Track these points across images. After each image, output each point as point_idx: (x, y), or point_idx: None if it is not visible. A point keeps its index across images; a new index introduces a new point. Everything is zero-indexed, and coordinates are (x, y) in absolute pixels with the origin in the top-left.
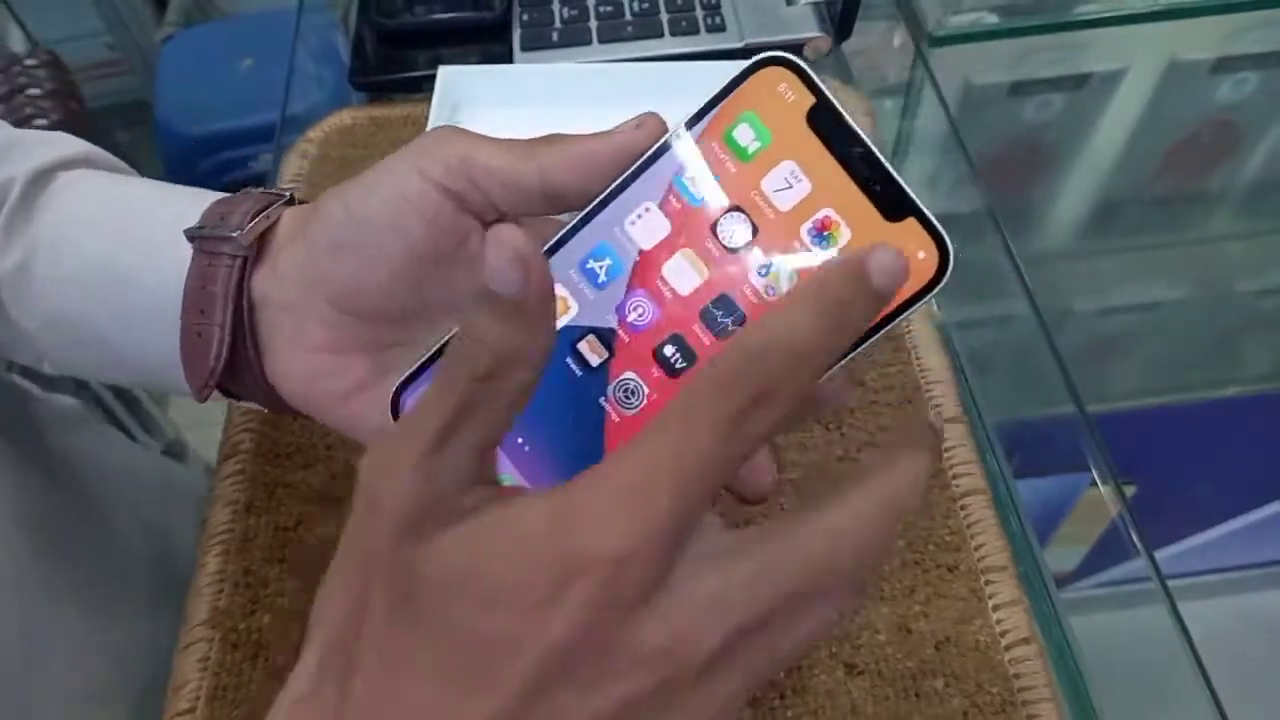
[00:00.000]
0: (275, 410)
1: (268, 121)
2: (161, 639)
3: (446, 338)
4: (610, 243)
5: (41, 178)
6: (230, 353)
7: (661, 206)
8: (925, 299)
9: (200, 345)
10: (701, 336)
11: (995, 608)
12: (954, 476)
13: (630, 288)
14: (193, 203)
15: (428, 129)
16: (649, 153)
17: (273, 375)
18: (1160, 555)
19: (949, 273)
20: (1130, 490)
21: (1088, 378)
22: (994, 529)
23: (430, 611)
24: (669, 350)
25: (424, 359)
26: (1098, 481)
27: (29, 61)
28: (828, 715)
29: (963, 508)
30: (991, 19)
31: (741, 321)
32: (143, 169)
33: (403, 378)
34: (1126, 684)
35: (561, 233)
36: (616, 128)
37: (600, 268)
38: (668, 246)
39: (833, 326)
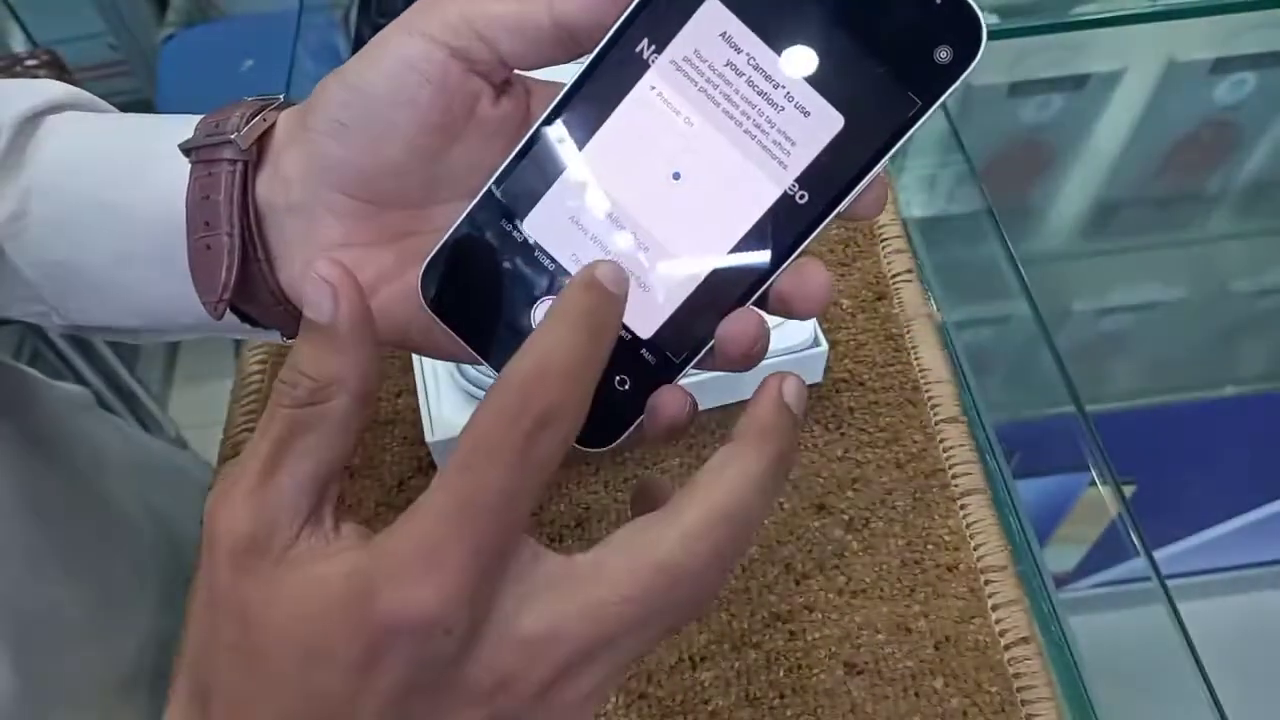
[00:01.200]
0: (294, 334)
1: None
2: (179, 627)
3: (466, 213)
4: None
5: (28, 124)
6: (242, 266)
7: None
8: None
9: (209, 258)
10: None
11: (995, 607)
12: (953, 476)
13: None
14: (183, 126)
15: None
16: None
17: (289, 286)
18: (1159, 555)
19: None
20: (1129, 490)
21: (1087, 377)
22: (993, 529)
23: (265, 655)
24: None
25: (446, 238)
26: (1097, 481)
27: (29, 61)
28: (827, 714)
29: (962, 507)
30: (991, 19)
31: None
32: None
33: (426, 261)
34: (1126, 683)
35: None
36: None
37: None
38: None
39: (590, 334)
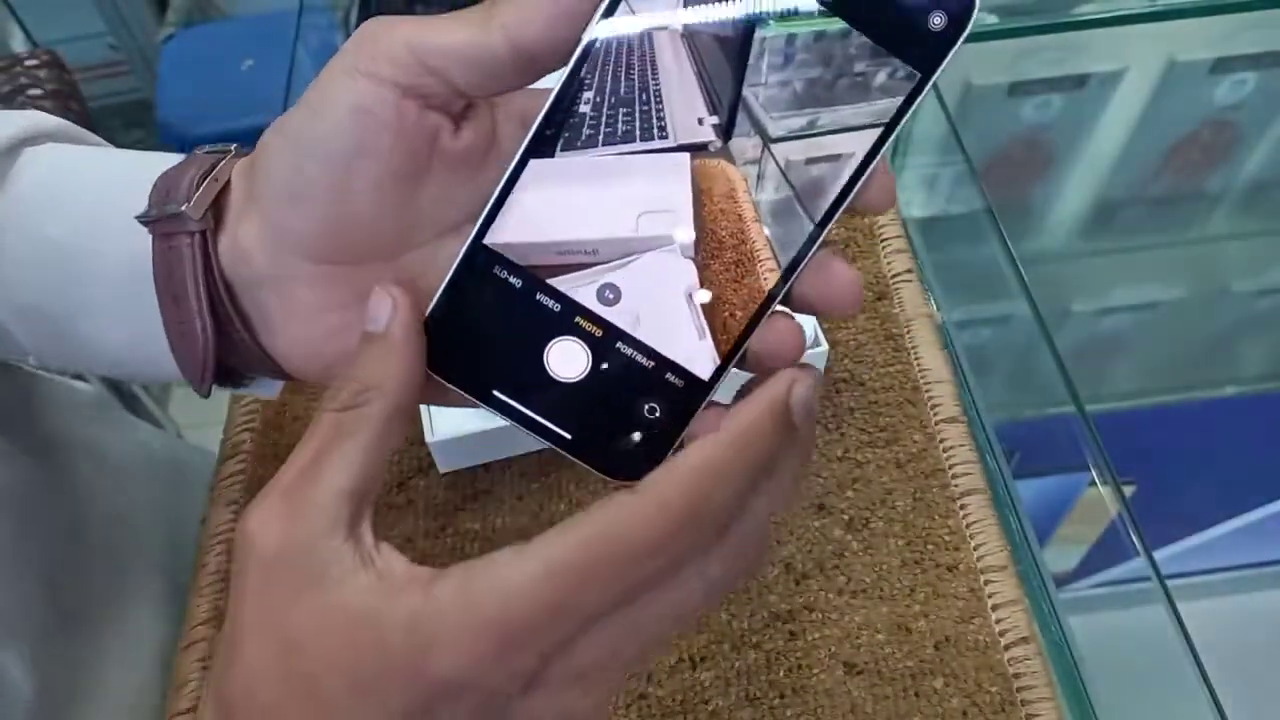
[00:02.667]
0: (295, 380)
1: (268, 122)
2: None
3: (454, 268)
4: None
5: (5, 157)
6: (220, 337)
7: None
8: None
9: (186, 341)
10: None
11: (995, 607)
12: (954, 476)
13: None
14: (149, 173)
15: None
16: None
17: (275, 353)
18: (1159, 555)
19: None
20: (1129, 490)
21: (1087, 377)
22: (993, 528)
23: (310, 680)
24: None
25: (437, 299)
26: (1097, 481)
27: (30, 62)
28: (827, 714)
29: (962, 507)
30: (991, 19)
31: None
32: None
33: (430, 308)
34: (1126, 684)
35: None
36: None
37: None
38: None
39: (760, 474)
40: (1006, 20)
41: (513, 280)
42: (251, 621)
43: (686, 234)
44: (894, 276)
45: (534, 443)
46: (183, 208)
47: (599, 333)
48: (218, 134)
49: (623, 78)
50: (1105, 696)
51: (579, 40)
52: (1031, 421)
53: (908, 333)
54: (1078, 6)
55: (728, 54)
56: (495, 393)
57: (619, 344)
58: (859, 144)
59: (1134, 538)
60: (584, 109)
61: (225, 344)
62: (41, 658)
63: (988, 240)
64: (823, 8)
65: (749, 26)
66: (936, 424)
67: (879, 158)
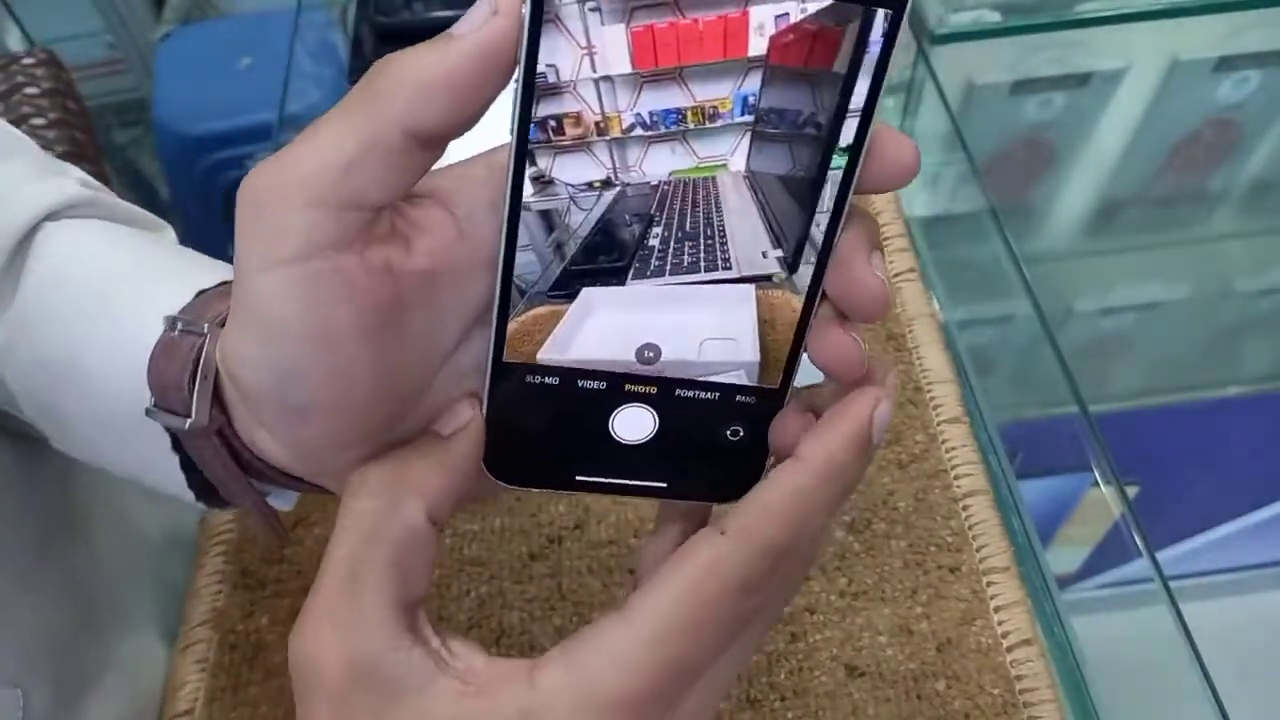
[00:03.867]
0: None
1: (266, 120)
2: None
3: (486, 397)
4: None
5: (26, 240)
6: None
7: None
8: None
9: (243, 505)
10: None
11: (997, 609)
12: (956, 477)
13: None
14: (159, 292)
15: None
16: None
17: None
18: (1162, 556)
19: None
20: (1132, 491)
21: (1090, 377)
22: (996, 530)
23: None
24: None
25: (485, 423)
26: (1100, 482)
27: (26, 60)
28: (829, 717)
29: (964, 508)
30: (993, 17)
31: None
32: (142, 167)
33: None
34: (1128, 685)
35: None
36: (464, 23)
37: None
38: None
39: (843, 497)
40: (1009, 18)
41: (549, 380)
42: None
43: (752, 356)
44: (896, 276)
45: None
46: (186, 424)
47: (654, 390)
48: (215, 133)
49: (688, 213)
50: (1108, 698)
51: (489, 99)
52: (1034, 422)
53: (910, 333)
54: (1080, 5)
55: (792, 191)
56: (579, 478)
57: (677, 391)
58: (840, 110)
59: (1137, 539)
60: (637, 235)
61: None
62: (49, 666)
63: (990, 239)
64: None
65: (821, 165)
66: (939, 424)
67: (877, 109)
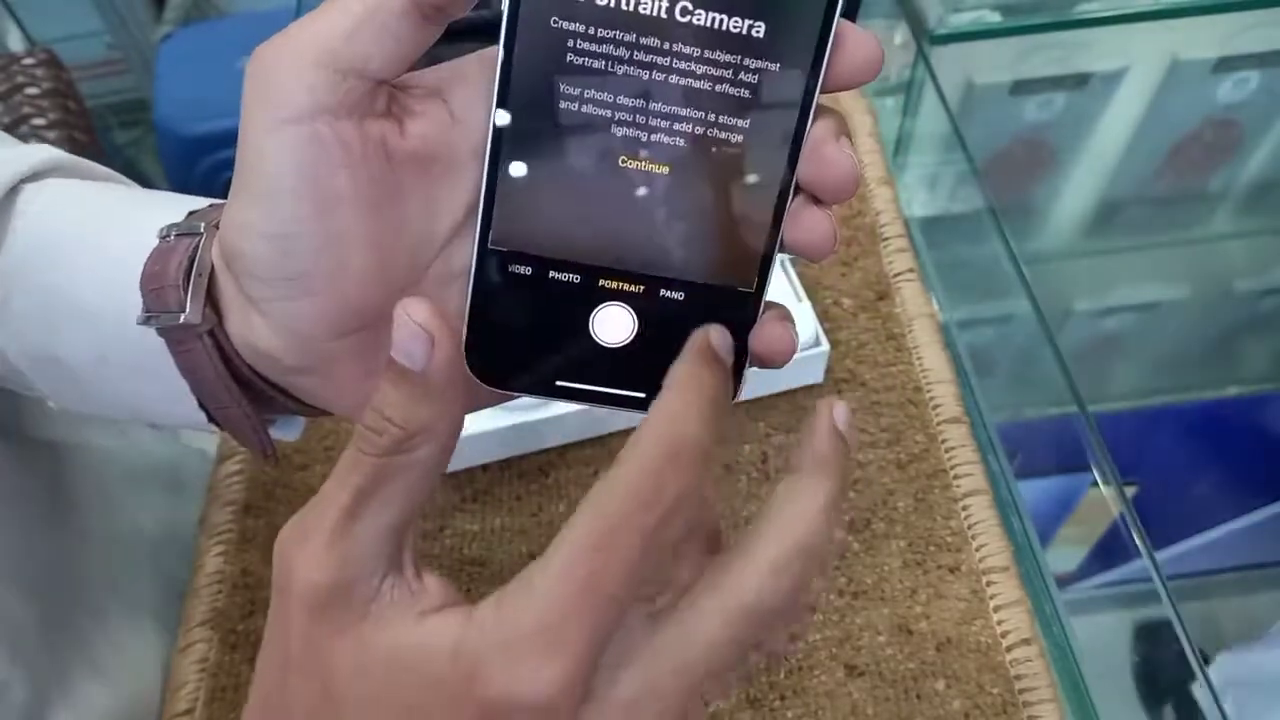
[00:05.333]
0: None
1: None
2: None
3: (471, 286)
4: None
5: (7, 199)
6: (271, 407)
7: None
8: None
9: (233, 422)
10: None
11: (996, 608)
12: (955, 477)
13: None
14: (152, 216)
15: None
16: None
17: (341, 412)
18: (1162, 556)
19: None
20: (1131, 491)
21: (1089, 378)
22: (995, 529)
23: (357, 717)
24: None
25: (467, 318)
26: (1099, 482)
27: (27, 61)
28: (828, 716)
29: (964, 508)
30: (993, 17)
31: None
32: (143, 168)
33: (465, 327)
34: (1128, 684)
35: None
36: None
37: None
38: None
39: (714, 411)
40: (1008, 19)
41: (533, 270)
42: (298, 661)
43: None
44: (895, 276)
45: (531, 444)
46: (181, 318)
47: (633, 287)
48: (215, 132)
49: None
50: (1107, 698)
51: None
52: (1033, 422)
53: (909, 333)
54: (1080, 5)
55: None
56: (559, 383)
57: (658, 290)
58: (810, 5)
59: (1136, 539)
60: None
61: (267, 404)
62: (37, 660)
63: (989, 239)
64: None
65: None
66: (938, 424)
67: (838, 15)
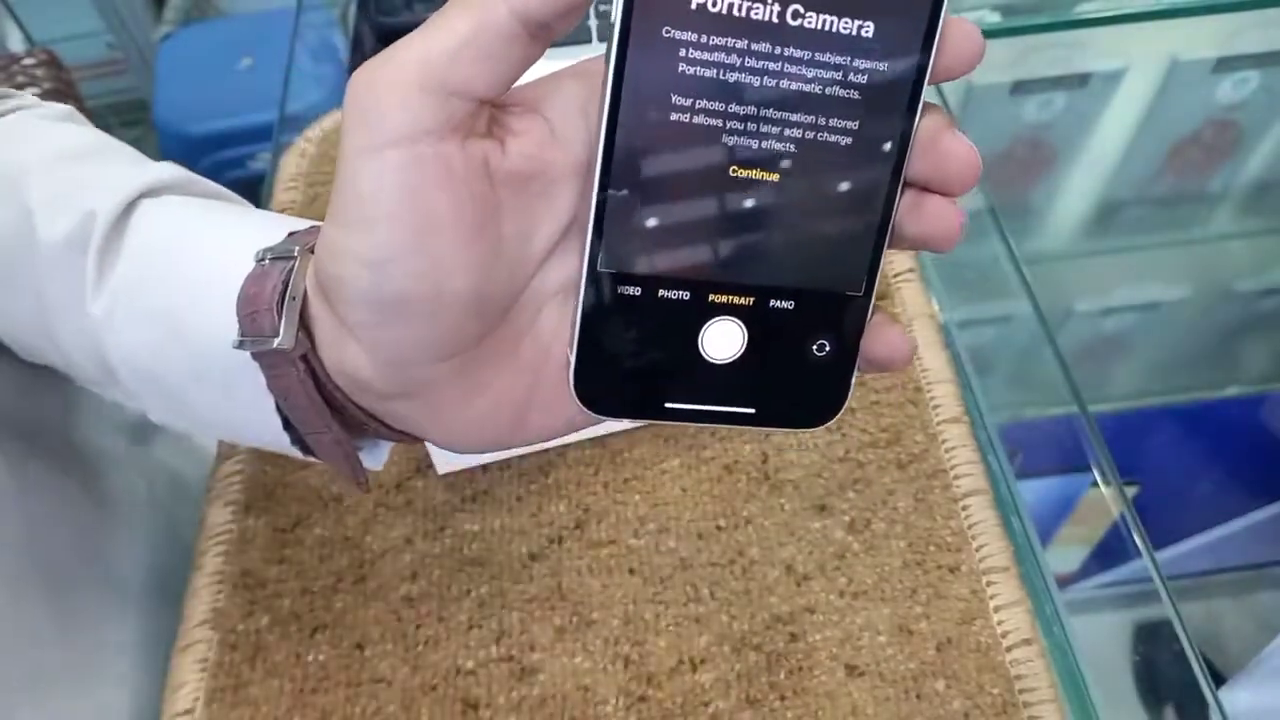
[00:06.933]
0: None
1: (266, 120)
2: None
3: (578, 312)
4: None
5: (124, 215)
6: (363, 433)
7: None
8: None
9: (324, 447)
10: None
11: (997, 609)
12: (955, 477)
13: None
14: (255, 239)
15: None
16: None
17: (437, 440)
18: (1162, 556)
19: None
20: (1132, 491)
21: (1089, 377)
22: (995, 530)
23: None
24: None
25: (575, 347)
26: (1099, 482)
27: (27, 61)
28: (828, 716)
29: (964, 508)
30: (993, 17)
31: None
32: None
33: (571, 376)
34: (1127, 684)
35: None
36: None
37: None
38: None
39: None
40: (1009, 19)
41: (642, 291)
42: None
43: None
44: (895, 276)
45: (532, 444)
46: (274, 343)
47: (742, 300)
48: (215, 133)
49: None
50: (1107, 698)
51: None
52: (1034, 422)
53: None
54: (1080, 5)
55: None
56: (668, 405)
57: (766, 301)
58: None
59: (1136, 539)
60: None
61: (358, 430)
62: (36, 658)
63: (990, 239)
64: None
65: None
66: (938, 424)
67: (945, 10)
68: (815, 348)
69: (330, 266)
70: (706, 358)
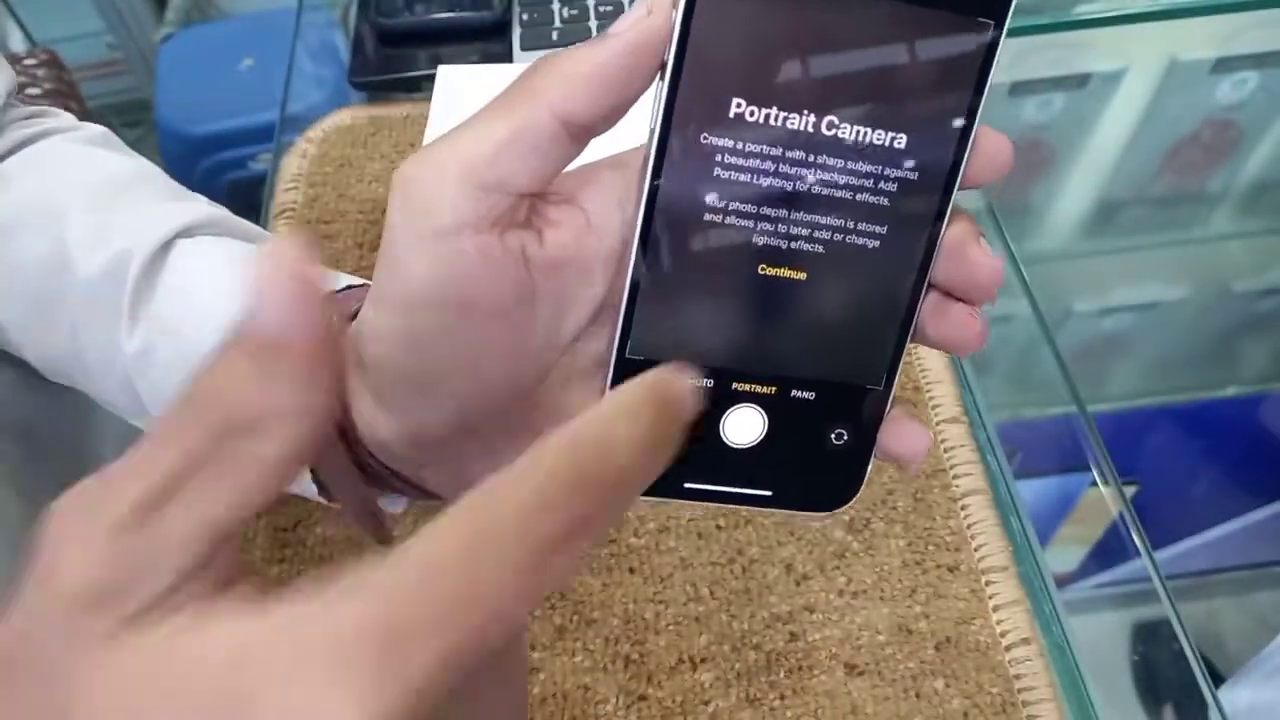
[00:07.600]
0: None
1: (267, 121)
2: None
3: (611, 365)
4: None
5: (159, 253)
6: (387, 486)
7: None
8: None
9: (347, 501)
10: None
11: (996, 608)
12: (954, 477)
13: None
14: None
15: (428, 129)
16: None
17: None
18: (1161, 556)
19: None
20: (1131, 490)
21: (1088, 377)
22: (994, 529)
23: None
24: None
25: (608, 375)
26: (1098, 482)
27: (28, 61)
28: (828, 715)
29: (963, 508)
30: None
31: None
32: None
33: None
34: (1127, 684)
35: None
36: (620, 23)
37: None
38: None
39: (658, 447)
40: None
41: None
42: (29, 663)
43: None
44: None
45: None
46: None
47: (765, 389)
48: (216, 133)
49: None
50: (1106, 697)
51: (636, 93)
52: (1033, 422)
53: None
54: (1080, 5)
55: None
56: (687, 485)
57: (788, 390)
58: (956, 110)
59: (1135, 538)
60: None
61: (381, 483)
62: None
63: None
64: None
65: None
66: (937, 424)
67: (978, 121)
68: (834, 436)
69: (368, 346)
70: (727, 442)
